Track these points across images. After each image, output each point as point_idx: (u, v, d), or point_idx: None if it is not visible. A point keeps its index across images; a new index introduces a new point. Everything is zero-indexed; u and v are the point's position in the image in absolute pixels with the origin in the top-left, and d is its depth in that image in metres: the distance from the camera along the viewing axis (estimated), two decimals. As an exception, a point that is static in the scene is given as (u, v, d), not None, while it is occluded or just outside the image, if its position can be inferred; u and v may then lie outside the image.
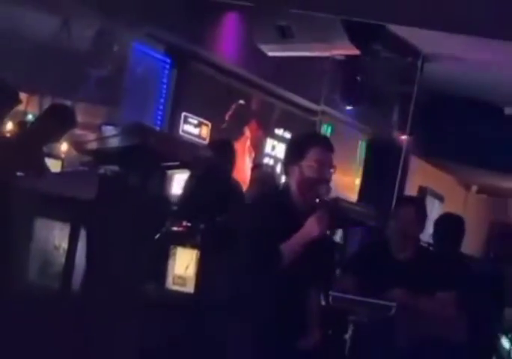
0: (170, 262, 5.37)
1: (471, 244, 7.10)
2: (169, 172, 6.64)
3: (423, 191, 12.27)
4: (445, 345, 4.79)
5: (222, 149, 6.73)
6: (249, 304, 3.76)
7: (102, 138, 5.59)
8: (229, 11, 8.62)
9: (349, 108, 9.91)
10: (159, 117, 8.72)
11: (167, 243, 5.46)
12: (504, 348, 6.64)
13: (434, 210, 10.80)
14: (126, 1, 7.35)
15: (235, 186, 6.62)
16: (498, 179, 12.55)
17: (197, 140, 9.02)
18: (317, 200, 3.84)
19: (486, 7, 6.36)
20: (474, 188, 14.04)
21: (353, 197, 10.86)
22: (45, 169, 5.69)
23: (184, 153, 5.07)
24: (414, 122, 9.76)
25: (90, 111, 7.85)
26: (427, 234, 5.87)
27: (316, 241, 3.82)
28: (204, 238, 5.48)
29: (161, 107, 8.74)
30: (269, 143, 10.37)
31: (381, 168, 10.73)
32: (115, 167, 5.23)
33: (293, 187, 3.92)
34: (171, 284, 5.35)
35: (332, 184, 3.96)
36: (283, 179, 4.80)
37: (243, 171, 8.70)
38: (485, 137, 10.71)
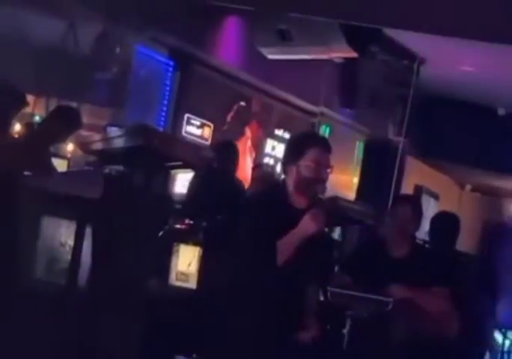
0: (173, 258, 5.38)
1: (465, 242, 7.10)
2: (172, 172, 6.65)
3: (419, 190, 12.28)
4: (439, 340, 4.79)
5: (226, 151, 6.74)
6: (247, 300, 3.75)
7: (107, 139, 5.59)
8: (230, 15, 8.63)
9: (347, 109, 9.91)
10: (163, 119, 8.73)
11: (170, 240, 5.47)
12: (497, 342, 6.65)
13: (430, 208, 10.79)
14: (130, 6, 7.35)
15: (237, 186, 6.62)
16: (492, 178, 12.55)
17: (199, 140, 9.03)
18: (313, 199, 3.84)
19: (480, 11, 6.36)
20: (469, 186, 14.06)
21: (351, 195, 10.86)
22: (52, 168, 5.68)
23: (187, 154, 5.07)
24: (410, 123, 9.77)
25: (96, 112, 7.85)
26: (423, 232, 5.87)
27: (315, 238, 3.82)
28: (206, 235, 5.49)
29: (164, 108, 8.75)
30: (270, 143, 10.38)
31: (378, 168, 10.72)
32: (120, 167, 5.24)
33: (290, 185, 3.93)
34: (174, 280, 5.35)
35: (331, 183, 3.97)
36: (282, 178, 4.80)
37: (244, 171, 8.71)
38: (479, 138, 10.72)
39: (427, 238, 6.16)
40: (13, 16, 6.85)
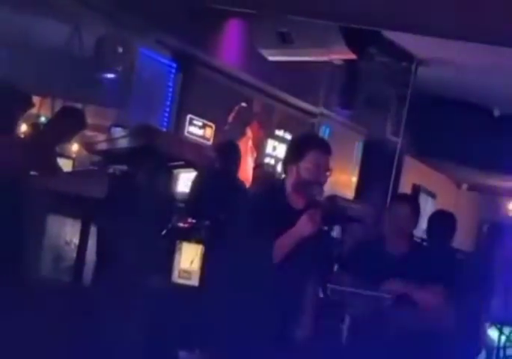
0: (176, 256, 5.38)
1: (462, 240, 7.09)
2: (175, 171, 6.64)
3: (416, 189, 12.28)
4: (433, 335, 4.79)
5: (228, 150, 6.74)
6: (246, 297, 3.75)
7: (111, 139, 5.60)
8: (232, 18, 8.62)
9: (346, 110, 9.91)
10: (166, 119, 8.72)
11: (173, 238, 5.47)
12: (492, 338, 6.65)
13: (427, 207, 10.80)
14: (134, 9, 7.35)
15: (239, 185, 6.62)
16: (488, 177, 12.56)
17: (201, 141, 9.03)
18: (310, 201, 3.82)
19: (477, 14, 6.36)
20: (465, 186, 14.06)
21: (350, 194, 10.86)
22: (57, 168, 5.68)
23: (189, 153, 5.07)
24: (408, 123, 9.76)
25: (100, 113, 7.85)
26: (421, 230, 5.87)
27: (314, 236, 3.81)
28: (208, 234, 5.49)
29: (167, 109, 8.74)
30: (270, 143, 10.38)
31: (376, 167, 10.72)
32: (124, 167, 5.23)
33: (289, 186, 3.91)
34: (176, 278, 5.35)
35: (330, 183, 3.95)
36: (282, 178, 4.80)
37: (245, 170, 8.70)
38: (475, 138, 10.71)
39: (424, 236, 6.16)
40: (20, 20, 6.85)
